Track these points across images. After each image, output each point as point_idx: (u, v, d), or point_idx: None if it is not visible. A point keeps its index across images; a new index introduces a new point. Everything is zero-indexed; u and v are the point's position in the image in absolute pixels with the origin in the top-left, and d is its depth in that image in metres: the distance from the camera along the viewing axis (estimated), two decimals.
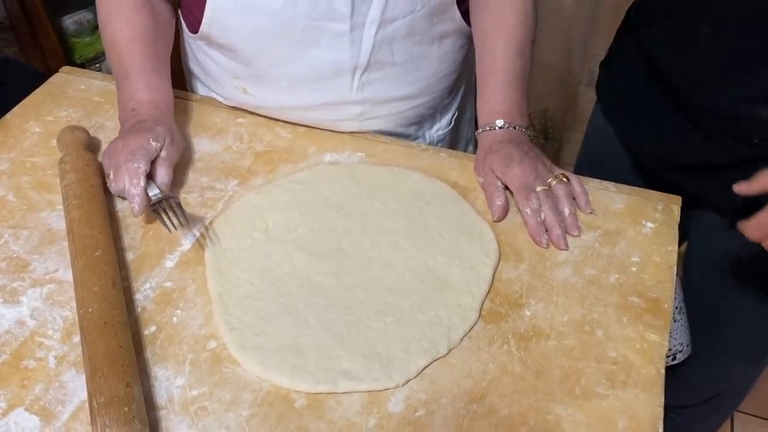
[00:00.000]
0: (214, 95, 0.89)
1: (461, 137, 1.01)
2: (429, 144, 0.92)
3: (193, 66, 0.91)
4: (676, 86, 0.78)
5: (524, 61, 0.80)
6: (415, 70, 0.83)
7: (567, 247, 0.70)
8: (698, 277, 0.93)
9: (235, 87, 0.84)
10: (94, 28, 1.91)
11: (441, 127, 0.93)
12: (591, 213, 0.73)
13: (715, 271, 0.92)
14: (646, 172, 0.90)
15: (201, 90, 0.93)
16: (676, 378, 1.12)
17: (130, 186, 0.68)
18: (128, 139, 0.71)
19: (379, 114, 0.84)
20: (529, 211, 0.71)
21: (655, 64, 0.81)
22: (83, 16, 1.84)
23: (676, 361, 0.92)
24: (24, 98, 0.88)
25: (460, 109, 0.96)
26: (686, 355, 0.92)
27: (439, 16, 0.80)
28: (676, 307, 0.89)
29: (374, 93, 0.82)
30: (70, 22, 1.81)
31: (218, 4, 0.76)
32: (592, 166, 0.96)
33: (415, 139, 0.91)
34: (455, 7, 0.81)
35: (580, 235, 0.71)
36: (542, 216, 0.71)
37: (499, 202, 0.73)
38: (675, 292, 0.88)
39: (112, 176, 0.70)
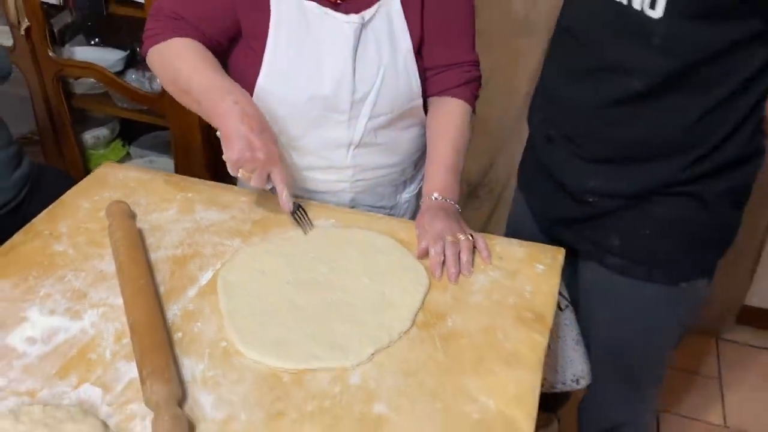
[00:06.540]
0: None
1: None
2: (399, 203, 1.27)
3: None
4: (550, 171, 1.12)
5: (459, 157, 1.13)
6: (391, 148, 1.17)
7: (457, 283, 0.96)
8: (586, 315, 1.20)
9: None
10: (109, 142, 2.24)
11: (410, 191, 1.27)
12: (490, 264, 1.01)
13: (594, 311, 1.18)
14: (544, 230, 1.20)
15: None
16: (582, 411, 1.36)
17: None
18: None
19: (365, 177, 1.18)
20: (433, 252, 0.99)
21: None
22: (100, 132, 2.17)
23: (580, 386, 1.15)
24: (58, 197, 1.11)
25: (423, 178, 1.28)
26: (588, 381, 1.16)
27: (409, 115, 1.15)
28: (575, 339, 1.14)
29: (362, 161, 1.16)
30: (89, 137, 2.14)
31: (264, 89, 1.07)
32: (514, 226, 1.30)
33: (391, 200, 1.24)
34: (421, 109, 1.15)
35: (469, 276, 0.98)
36: (444, 257, 0.98)
37: (423, 244, 1.01)
38: (573, 327, 1.15)
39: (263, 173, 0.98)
